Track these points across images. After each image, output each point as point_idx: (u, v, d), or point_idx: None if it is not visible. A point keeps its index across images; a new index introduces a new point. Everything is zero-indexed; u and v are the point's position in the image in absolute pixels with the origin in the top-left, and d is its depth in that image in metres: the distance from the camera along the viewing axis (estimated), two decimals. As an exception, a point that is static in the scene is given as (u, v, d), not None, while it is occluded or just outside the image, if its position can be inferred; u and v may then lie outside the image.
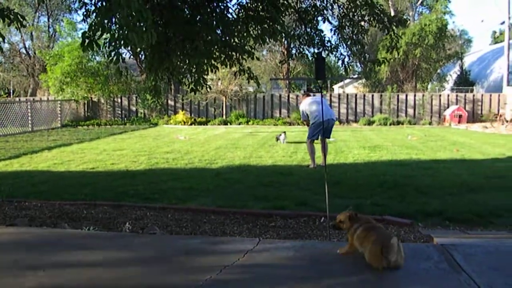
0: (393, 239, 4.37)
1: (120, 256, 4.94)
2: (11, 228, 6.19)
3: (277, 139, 17.46)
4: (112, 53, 5.61)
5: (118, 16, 5.47)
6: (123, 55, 6.09)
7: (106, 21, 5.54)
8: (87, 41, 5.66)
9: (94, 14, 6.15)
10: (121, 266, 4.63)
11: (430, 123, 27.67)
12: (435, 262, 4.67)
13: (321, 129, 11.35)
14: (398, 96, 28.96)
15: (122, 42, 5.45)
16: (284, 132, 17.77)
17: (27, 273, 4.39)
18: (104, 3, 5.75)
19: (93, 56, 29.18)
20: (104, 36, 5.69)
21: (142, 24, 5.48)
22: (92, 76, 28.25)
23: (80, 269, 4.53)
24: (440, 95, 29.25)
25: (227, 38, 7.99)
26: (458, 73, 35.70)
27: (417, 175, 10.32)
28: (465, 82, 34.25)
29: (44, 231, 6.15)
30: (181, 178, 10.16)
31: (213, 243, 5.45)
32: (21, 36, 41.15)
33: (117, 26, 5.65)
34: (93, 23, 5.70)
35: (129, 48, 6.97)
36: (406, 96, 28.98)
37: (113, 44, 5.51)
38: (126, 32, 5.36)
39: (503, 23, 30.41)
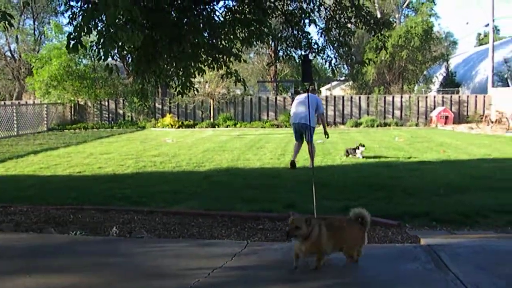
0: (356, 209, 4.66)
1: (107, 261, 4.91)
2: (-4, 233, 6.15)
3: (349, 153, 13.44)
4: (101, 51, 5.61)
5: (105, 16, 5.47)
6: (112, 54, 6.10)
7: (92, 22, 5.53)
8: (72, 42, 5.63)
9: (80, 17, 6.14)
10: (108, 270, 4.60)
11: (416, 125, 27.83)
12: (422, 262, 4.70)
13: (296, 132, 11.89)
14: (385, 98, 29.09)
15: (111, 40, 5.44)
16: (362, 145, 13.42)
17: (13, 278, 4.37)
18: (89, 5, 5.73)
19: (80, 60, 29.07)
20: (91, 38, 5.67)
21: (129, 25, 5.48)
22: (79, 79, 28.11)
23: (66, 274, 4.51)
24: (426, 97, 29.42)
25: (214, 40, 7.98)
26: (444, 74, 35.96)
27: (404, 176, 10.36)
28: (451, 83, 34.48)
29: (30, 236, 6.11)
30: (169, 181, 10.13)
31: (201, 246, 5.45)
32: (6, 39, 40.90)
33: (105, 25, 5.64)
34: (78, 25, 5.68)
35: (116, 51, 6.92)
36: (393, 98, 29.11)
37: (101, 42, 5.51)
38: (115, 31, 5.36)
39: (487, 25, 30.63)
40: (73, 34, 5.65)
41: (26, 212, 7.43)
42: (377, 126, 27.05)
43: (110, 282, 4.30)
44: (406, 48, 31.73)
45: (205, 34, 7.90)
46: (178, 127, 27.00)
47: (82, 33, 5.57)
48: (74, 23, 6.13)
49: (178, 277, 4.35)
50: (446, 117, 27.10)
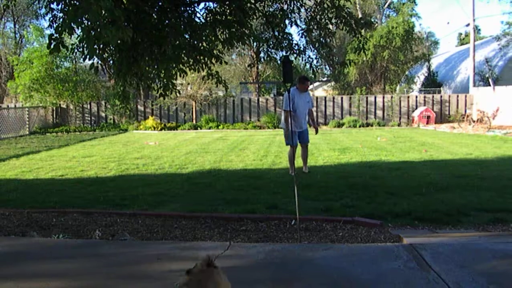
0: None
1: (90, 264, 4.89)
2: (-23, 238, 6.10)
3: None
4: (85, 50, 5.61)
5: (87, 17, 5.46)
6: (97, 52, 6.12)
7: (74, 21, 5.52)
8: (53, 43, 5.61)
9: (61, 20, 6.12)
10: (91, 274, 4.59)
11: (399, 125, 28.01)
12: (404, 261, 4.73)
13: (293, 136, 11.27)
14: (367, 98, 29.24)
15: (95, 38, 5.44)
16: None
17: (-5, 283, 4.33)
18: (70, 8, 5.71)
19: (62, 62, 28.87)
20: (72, 41, 5.67)
21: (112, 26, 5.47)
22: (60, 82, 27.92)
23: (49, 278, 4.48)
24: (408, 97, 29.62)
25: (195, 42, 7.98)
26: (426, 74, 36.19)
27: (386, 176, 10.43)
28: (432, 83, 34.73)
29: (12, 240, 6.06)
30: (152, 183, 10.10)
31: (184, 248, 5.44)
32: (-13, 43, 40.51)
33: (88, 25, 5.64)
34: (60, 25, 5.67)
35: (98, 52, 6.90)
36: (375, 98, 29.27)
37: (86, 40, 5.51)
38: (98, 29, 5.36)
39: (468, 25, 30.88)
40: (55, 34, 5.63)
41: (8, 216, 7.38)
42: (360, 126, 27.19)
43: (93, 285, 4.28)
44: (388, 48, 31.93)
45: (186, 36, 7.90)
46: (161, 129, 26.92)
47: (64, 33, 5.55)
48: (55, 25, 6.10)
49: (161, 279, 4.34)
50: (428, 117, 27.30)
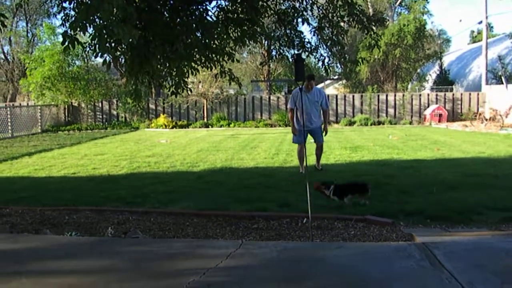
0: None
1: (103, 261, 4.91)
2: (-9, 235, 6.14)
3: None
4: (97, 47, 5.63)
5: (99, 15, 5.49)
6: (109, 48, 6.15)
7: (87, 19, 5.55)
8: (68, 40, 5.64)
9: (73, 18, 6.14)
10: (104, 271, 4.60)
11: (410, 123, 27.87)
12: (417, 260, 4.71)
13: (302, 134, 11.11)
14: (378, 96, 29.13)
15: (107, 36, 5.47)
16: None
17: (9, 279, 4.36)
18: (82, 6, 5.74)
19: (73, 61, 29.00)
20: (84, 39, 5.70)
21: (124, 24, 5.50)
22: (72, 81, 28.05)
23: (62, 275, 4.50)
24: (420, 95, 29.48)
25: (207, 40, 7.97)
26: (438, 72, 36.01)
27: (398, 175, 10.38)
28: (444, 81, 34.55)
29: (26, 237, 6.10)
30: (163, 181, 10.12)
31: (196, 246, 5.45)
32: (0, 41, 40.77)
33: (100, 23, 5.66)
34: (73, 22, 5.69)
35: (110, 49, 6.93)
36: (387, 96, 29.15)
37: (97, 37, 5.53)
38: (110, 28, 5.38)
39: (480, 22, 30.68)
40: (68, 31, 5.66)
41: (21, 214, 7.43)
42: (371, 124, 27.10)
43: (105, 282, 4.30)
44: (399, 46, 31.76)
45: (198, 34, 7.89)
46: (172, 128, 26.98)
47: (78, 30, 5.58)
48: (67, 24, 6.13)
49: (173, 276, 4.35)
50: (440, 115, 27.16)
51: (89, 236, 6.24)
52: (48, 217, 7.21)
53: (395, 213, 7.10)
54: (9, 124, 23.51)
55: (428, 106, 28.38)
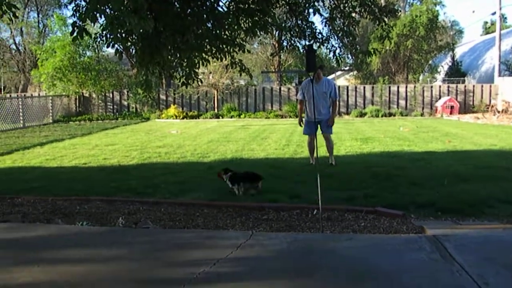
0: None
1: (114, 251, 4.94)
2: (4, 224, 6.20)
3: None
4: (109, 36, 5.64)
5: (110, 5, 5.50)
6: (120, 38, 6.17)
7: (95, 11, 5.56)
8: (77, 30, 5.65)
9: (85, 8, 6.15)
10: (115, 260, 4.63)
11: (422, 115, 27.72)
12: (428, 253, 4.70)
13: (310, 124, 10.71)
14: (389, 87, 28.99)
15: (118, 26, 5.48)
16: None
17: (22, 268, 4.40)
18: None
19: (84, 51, 29.07)
20: (95, 30, 5.71)
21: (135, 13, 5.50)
22: (83, 71, 28.14)
23: (73, 264, 4.54)
24: (431, 86, 29.30)
25: (218, 31, 7.96)
26: (450, 64, 35.74)
27: (409, 167, 10.33)
28: (456, 73, 34.31)
29: (38, 227, 6.14)
30: (174, 172, 10.14)
31: (206, 237, 5.47)
32: (11, 32, 40.98)
33: (111, 13, 5.67)
34: (82, 13, 5.70)
35: (121, 39, 6.94)
36: (398, 87, 29.01)
37: (109, 27, 5.54)
38: (121, 18, 5.38)
39: (494, 13, 30.45)
40: (78, 22, 5.67)
41: (33, 203, 7.48)
42: (382, 116, 26.98)
43: (116, 271, 4.32)
44: (411, 38, 31.56)
45: (209, 25, 7.88)
46: (183, 118, 27.02)
47: (87, 21, 5.60)
48: (78, 14, 6.14)
49: (184, 267, 4.37)
50: (452, 107, 27.00)
51: (100, 226, 6.27)
52: (60, 207, 7.25)
53: (406, 205, 7.07)
54: (21, 114, 23.65)
55: (439, 98, 28.21)
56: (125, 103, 29.53)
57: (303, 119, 10.99)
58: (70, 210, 7.07)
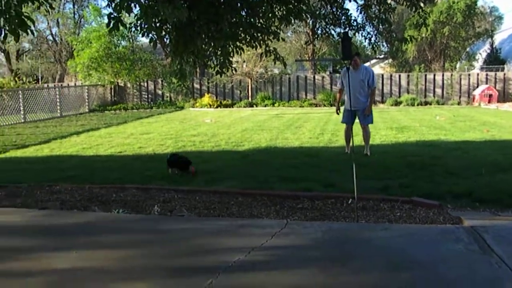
0: None
1: (150, 238, 4.99)
2: (43, 212, 6.31)
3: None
4: (144, 26, 5.68)
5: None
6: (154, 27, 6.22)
7: (130, 1, 5.59)
8: (113, 22, 5.70)
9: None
10: (150, 247, 4.67)
11: (459, 103, 27.26)
12: (465, 244, 4.62)
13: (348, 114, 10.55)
14: (425, 76, 28.56)
15: (153, 15, 5.51)
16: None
17: (60, 254, 4.48)
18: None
19: (119, 41, 29.36)
20: (130, 20, 5.75)
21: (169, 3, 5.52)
22: (118, 61, 28.43)
23: (110, 250, 4.60)
24: (469, 74, 28.76)
25: (252, 19, 7.93)
26: (488, 51, 34.97)
27: (445, 156, 10.18)
28: (495, 60, 33.57)
29: (75, 214, 6.24)
30: (208, 160, 10.19)
31: (241, 225, 5.47)
32: (48, 23, 41.67)
33: (146, 3, 5.70)
34: (117, 4, 5.74)
35: (155, 28, 6.98)
36: (434, 75, 28.55)
37: (144, 17, 5.57)
38: (156, 7, 5.41)
39: (534, -1, 29.65)
40: (113, 13, 5.71)
41: (70, 191, 7.60)
42: (418, 104, 26.61)
43: (152, 258, 4.36)
44: (448, 25, 30.99)
45: (243, 13, 7.86)
46: (217, 107, 27.10)
47: (122, 11, 5.63)
48: (113, 4, 6.19)
49: (218, 255, 4.38)
50: (490, 96, 26.45)
51: (136, 213, 6.34)
52: (96, 195, 7.35)
53: (442, 195, 6.96)
54: (58, 104, 24.07)
55: (477, 86, 27.67)
56: (160, 92, 29.77)
57: (341, 107, 10.87)
58: (106, 198, 7.16)
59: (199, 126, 17.37)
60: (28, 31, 6.05)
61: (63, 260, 4.30)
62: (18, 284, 3.86)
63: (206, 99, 27.71)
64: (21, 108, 21.63)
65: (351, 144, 9.78)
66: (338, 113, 10.83)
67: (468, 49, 34.76)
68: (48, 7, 6.74)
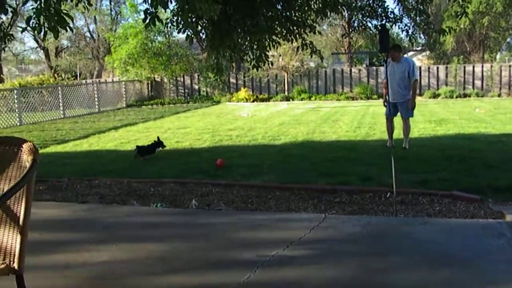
0: None
1: (188, 232, 5.02)
2: (83, 206, 6.43)
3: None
4: (180, 22, 5.73)
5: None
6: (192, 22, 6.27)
7: None
8: (149, 17, 5.76)
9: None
10: (189, 241, 4.71)
11: (499, 95, 26.65)
12: (508, 239, 4.53)
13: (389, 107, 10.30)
14: (464, 67, 28.01)
15: (189, 11, 5.55)
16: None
17: (100, 247, 4.55)
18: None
19: (155, 37, 29.61)
20: (166, 15, 5.80)
21: None
22: (155, 57, 28.68)
23: (150, 244, 4.65)
24: (510, 66, 28.07)
25: (288, 13, 7.91)
26: (530, 41, 34.22)
27: (485, 149, 9.99)
28: (538, 51, 32.82)
29: (114, 208, 6.33)
30: (245, 154, 10.22)
31: (279, 219, 5.47)
32: (85, 20, 42.37)
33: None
34: (154, 0, 5.80)
35: (192, 23, 7.04)
36: (473, 67, 27.98)
37: (180, 13, 5.62)
38: (192, 3, 5.45)
39: None
40: (150, 8, 5.77)
41: (109, 185, 7.71)
42: (456, 97, 26.12)
43: (190, 251, 4.40)
44: (488, 15, 30.36)
45: (279, 7, 7.85)
46: (253, 101, 27.09)
47: (159, 7, 5.68)
48: (149, 1, 6.26)
49: (257, 248, 4.39)
50: (532, 87, 25.81)
51: (174, 207, 6.40)
52: (134, 189, 7.44)
53: (483, 189, 6.83)
54: (96, 99, 24.46)
55: (519, 77, 27.02)
56: (196, 87, 29.94)
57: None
58: (144, 192, 7.25)
59: (235, 120, 17.42)
60: (67, 28, 6.16)
61: (103, 253, 4.37)
62: (59, 276, 3.93)
63: (243, 93, 27.75)
64: (61, 104, 22.06)
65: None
66: (385, 106, 10.65)
67: (508, 39, 34.00)
68: (86, 4, 6.86)
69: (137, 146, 10.50)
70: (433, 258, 4.12)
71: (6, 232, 2.71)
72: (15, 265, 2.66)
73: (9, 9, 7.13)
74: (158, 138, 10.70)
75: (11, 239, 2.69)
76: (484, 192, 6.68)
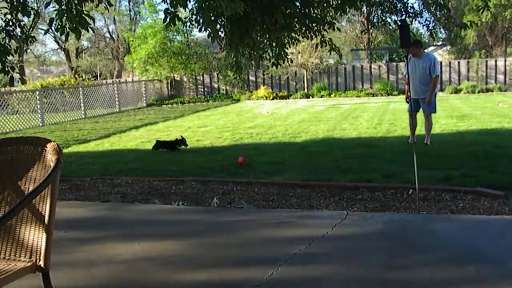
0: None
1: (210, 230, 5.03)
2: (106, 204, 6.47)
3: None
4: (200, 20, 5.75)
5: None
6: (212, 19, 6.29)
7: None
8: (169, 17, 5.78)
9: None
10: (211, 239, 4.71)
11: (522, 89, 26.30)
12: (535, 235, 4.46)
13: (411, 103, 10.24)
14: (486, 62, 27.65)
15: (209, 9, 5.57)
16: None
17: (123, 245, 4.58)
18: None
19: (174, 36, 29.74)
20: (184, 14, 5.82)
21: None
22: (174, 56, 28.80)
23: (172, 241, 4.68)
24: (533, 59, 27.71)
25: (307, 10, 7.89)
26: (554, 34, 33.69)
27: (509, 145, 9.85)
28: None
29: (136, 206, 6.37)
30: (266, 152, 10.21)
31: (300, 216, 5.46)
32: (105, 21, 42.73)
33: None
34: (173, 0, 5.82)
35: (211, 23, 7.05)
36: (496, 61, 27.60)
37: (200, 11, 5.63)
38: (212, 1, 5.46)
39: None
40: (170, 8, 5.79)
41: (131, 184, 7.76)
42: (478, 92, 25.80)
43: (213, 249, 4.40)
44: (510, 7, 29.94)
45: (297, 4, 7.82)
46: (273, 99, 27.07)
47: (178, 6, 5.70)
48: (168, 0, 6.28)
49: (279, 246, 4.38)
50: (556, 80, 25.42)
51: (196, 206, 6.41)
52: (156, 188, 7.48)
53: (507, 185, 6.71)
54: (116, 99, 24.64)
55: (543, 71, 26.60)
56: (215, 85, 29.99)
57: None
58: (166, 191, 7.28)
59: (255, 118, 17.42)
60: (88, 28, 6.21)
61: (126, 251, 4.40)
62: (83, 273, 3.97)
63: (262, 91, 27.74)
64: (82, 104, 22.28)
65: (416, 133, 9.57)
66: (407, 102, 10.54)
67: (531, 32, 33.53)
68: (106, 4, 6.91)
69: (157, 140, 11.23)
70: (457, 255, 4.07)
71: (32, 231, 2.76)
72: (41, 263, 2.70)
73: (32, 11, 7.21)
74: (181, 136, 11.00)
75: (37, 237, 2.74)
76: (509, 189, 6.57)
